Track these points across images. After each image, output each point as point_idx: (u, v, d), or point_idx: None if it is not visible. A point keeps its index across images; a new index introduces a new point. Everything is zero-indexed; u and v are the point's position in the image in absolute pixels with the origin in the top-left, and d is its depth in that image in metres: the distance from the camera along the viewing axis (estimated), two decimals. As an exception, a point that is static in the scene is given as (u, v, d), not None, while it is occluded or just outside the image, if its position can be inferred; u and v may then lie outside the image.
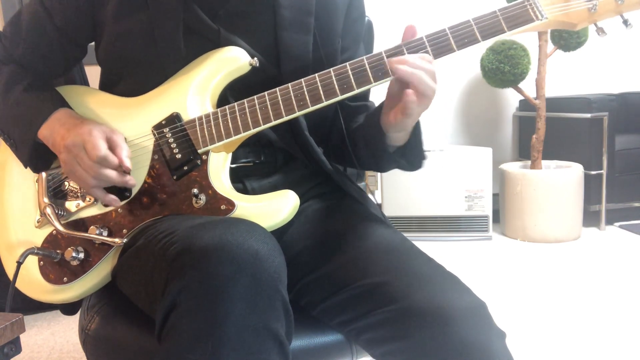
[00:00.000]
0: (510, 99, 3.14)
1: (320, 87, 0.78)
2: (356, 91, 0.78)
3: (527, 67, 2.62)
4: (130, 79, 0.88)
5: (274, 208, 0.77)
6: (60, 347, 1.73)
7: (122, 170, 0.79)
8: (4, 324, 0.63)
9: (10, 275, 0.86)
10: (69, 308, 0.93)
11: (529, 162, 2.77)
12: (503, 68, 2.61)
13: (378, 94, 1.14)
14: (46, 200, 0.86)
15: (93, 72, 1.07)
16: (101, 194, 0.81)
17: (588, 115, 2.67)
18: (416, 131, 0.85)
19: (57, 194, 0.87)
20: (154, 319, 0.67)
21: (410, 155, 0.88)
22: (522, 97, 2.75)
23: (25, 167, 0.88)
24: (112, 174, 0.78)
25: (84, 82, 1.08)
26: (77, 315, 0.91)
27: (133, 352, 0.78)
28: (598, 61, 3.15)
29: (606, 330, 1.71)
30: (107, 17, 0.86)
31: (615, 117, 2.71)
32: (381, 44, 0.87)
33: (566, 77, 3.12)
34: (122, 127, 0.85)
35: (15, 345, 0.66)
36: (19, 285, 0.87)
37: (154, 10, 0.84)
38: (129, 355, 0.78)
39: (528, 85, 2.72)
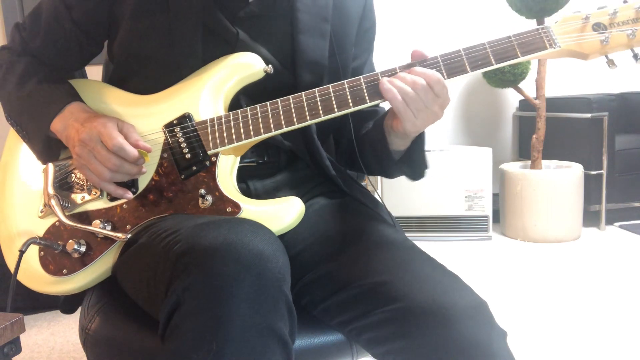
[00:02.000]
0: (510, 99, 3.15)
1: (333, 98, 0.80)
2: (369, 104, 0.80)
3: (527, 67, 2.62)
4: (143, 76, 0.89)
5: (279, 213, 0.77)
6: (60, 347, 1.73)
7: (137, 162, 0.80)
8: (4, 324, 0.63)
9: (10, 265, 0.86)
10: (68, 307, 0.93)
11: (529, 162, 2.77)
12: (503, 68, 2.61)
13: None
14: (51, 191, 0.86)
15: (94, 72, 1.07)
16: (113, 187, 0.81)
17: (588, 115, 2.67)
18: (418, 140, 0.87)
19: (62, 186, 0.87)
20: (154, 317, 0.67)
21: (411, 163, 0.89)
22: (522, 97, 2.75)
23: (38, 159, 0.88)
24: (128, 164, 0.78)
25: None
26: (77, 315, 0.90)
27: (133, 352, 0.77)
28: (598, 61, 3.14)
29: (606, 330, 1.71)
30: (124, 14, 0.86)
31: (615, 117, 2.71)
32: (386, 50, 0.87)
33: (566, 77, 3.12)
34: (133, 124, 0.84)
35: (15, 345, 0.66)
36: (19, 276, 0.86)
37: (174, 11, 0.84)
38: (130, 355, 0.78)
39: (528, 85, 2.72)
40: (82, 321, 0.86)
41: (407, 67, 0.80)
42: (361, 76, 0.80)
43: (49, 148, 0.87)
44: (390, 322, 0.71)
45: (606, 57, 0.82)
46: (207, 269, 0.62)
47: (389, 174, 0.96)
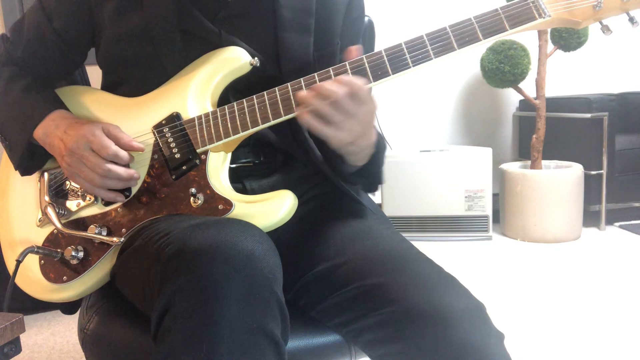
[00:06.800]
0: (511, 99, 3.14)
1: None
2: None
3: (527, 67, 2.62)
4: (132, 81, 0.89)
5: (272, 208, 0.77)
6: (60, 347, 1.73)
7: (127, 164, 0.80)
8: (4, 324, 0.63)
9: (12, 274, 0.86)
10: (68, 307, 0.93)
11: (529, 162, 2.77)
12: (503, 68, 2.60)
13: (377, 92, 1.14)
14: (47, 199, 0.86)
15: (94, 73, 1.07)
16: (105, 192, 0.81)
17: (588, 115, 2.67)
18: (374, 157, 0.85)
19: (58, 193, 0.88)
20: (151, 318, 0.67)
21: (365, 178, 0.89)
22: (522, 97, 2.75)
23: (16, 169, 0.89)
24: (119, 169, 0.79)
25: (85, 82, 1.08)
26: (77, 315, 0.91)
27: (131, 352, 0.78)
28: (598, 61, 3.15)
29: (606, 330, 1.71)
30: (104, 20, 0.86)
31: (615, 117, 2.71)
32: (382, 44, 0.87)
33: (566, 77, 3.12)
34: (122, 127, 0.84)
35: (15, 345, 0.66)
36: (20, 283, 0.87)
37: (148, 11, 0.84)
38: (128, 355, 0.78)
39: (528, 85, 2.72)
40: (80, 321, 0.86)
41: (394, 48, 0.76)
42: (347, 62, 0.78)
43: (31, 158, 0.87)
44: (387, 324, 0.71)
45: (600, 23, 0.78)
46: (197, 270, 0.61)
47: (347, 182, 0.94)
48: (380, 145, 0.85)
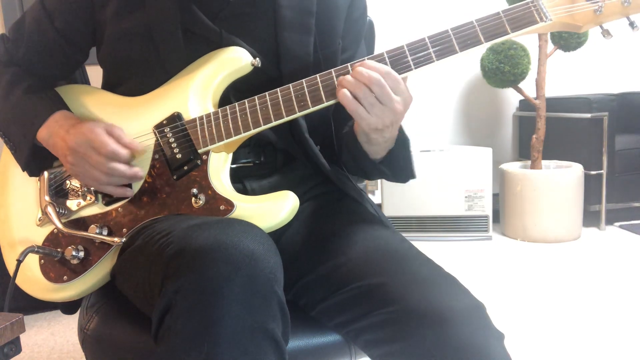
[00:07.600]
0: (510, 99, 3.15)
1: (321, 88, 0.78)
2: None
3: (527, 67, 2.62)
4: (132, 80, 0.89)
5: (273, 209, 0.77)
6: (60, 347, 1.73)
7: (131, 163, 0.80)
8: (4, 324, 0.63)
9: (11, 272, 0.86)
10: (68, 307, 0.93)
11: (529, 162, 2.77)
12: (503, 68, 2.61)
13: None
14: (47, 198, 0.86)
15: (94, 72, 1.07)
16: (113, 188, 0.82)
17: (588, 115, 2.67)
18: (398, 147, 0.85)
19: (58, 193, 0.88)
20: (151, 318, 0.67)
21: (394, 168, 0.88)
22: (522, 97, 2.75)
23: (23, 171, 0.89)
24: (122, 167, 0.79)
25: (85, 82, 1.08)
26: (77, 315, 0.91)
27: (131, 352, 0.78)
28: (598, 61, 3.15)
29: (606, 330, 1.71)
30: (107, 19, 0.86)
31: (615, 117, 2.71)
32: (382, 44, 0.87)
33: (566, 77, 3.12)
34: (123, 126, 0.85)
35: (15, 345, 0.66)
36: (20, 283, 0.87)
37: (150, 10, 0.84)
38: (128, 355, 0.78)
39: (528, 85, 2.72)
40: (80, 321, 0.86)
41: (396, 50, 0.77)
42: (349, 63, 0.78)
43: (36, 159, 0.87)
44: (387, 324, 0.71)
45: (601, 27, 0.79)
46: (198, 270, 0.62)
47: (369, 176, 0.95)
48: (400, 138, 0.85)
